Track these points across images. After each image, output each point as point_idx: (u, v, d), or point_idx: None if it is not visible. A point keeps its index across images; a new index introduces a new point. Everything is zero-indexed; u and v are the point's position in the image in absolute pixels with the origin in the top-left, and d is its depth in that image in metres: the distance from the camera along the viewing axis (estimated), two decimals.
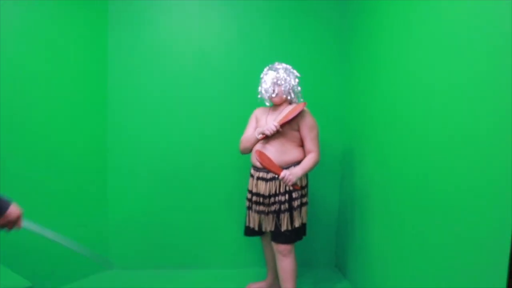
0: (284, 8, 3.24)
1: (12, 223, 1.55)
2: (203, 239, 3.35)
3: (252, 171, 2.61)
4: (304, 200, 2.52)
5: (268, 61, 2.93)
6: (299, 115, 2.48)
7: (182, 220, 3.32)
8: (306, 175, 2.55)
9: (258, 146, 2.54)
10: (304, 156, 2.53)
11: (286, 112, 2.51)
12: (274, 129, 2.39)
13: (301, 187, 2.49)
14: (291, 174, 2.32)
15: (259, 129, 2.49)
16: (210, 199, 3.32)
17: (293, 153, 2.49)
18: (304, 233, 2.63)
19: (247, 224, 2.71)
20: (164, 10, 3.20)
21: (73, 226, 2.95)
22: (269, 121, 2.54)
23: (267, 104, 2.65)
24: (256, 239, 3.29)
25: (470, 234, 1.57)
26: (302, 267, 3.33)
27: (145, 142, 3.25)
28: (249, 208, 2.65)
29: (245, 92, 3.18)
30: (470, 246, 1.57)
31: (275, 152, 2.47)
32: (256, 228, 2.64)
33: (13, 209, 1.54)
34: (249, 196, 2.63)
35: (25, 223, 1.62)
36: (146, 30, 3.20)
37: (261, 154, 2.35)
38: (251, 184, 2.60)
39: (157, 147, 3.26)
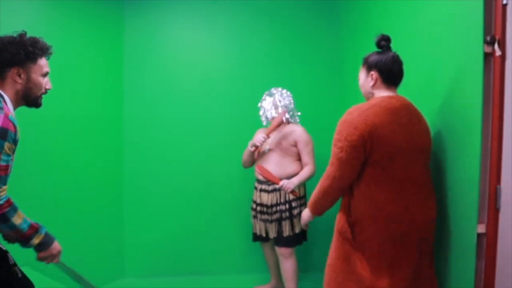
0: (283, 36, 3.59)
1: (53, 257, 1.71)
2: (212, 247, 3.62)
3: (256, 184, 2.95)
4: (303, 208, 2.80)
5: (268, 84, 3.25)
6: (289, 130, 2.82)
7: (192, 230, 3.60)
8: (304, 186, 2.86)
9: (261, 161, 2.87)
10: (302, 169, 2.83)
11: (276, 127, 2.84)
12: (262, 139, 2.76)
13: (300, 196, 2.80)
14: (289, 183, 2.65)
15: (251, 142, 2.85)
16: (217, 210, 3.61)
17: (292, 166, 2.81)
18: (304, 238, 2.92)
19: (254, 231, 3.01)
20: (174, 38, 3.57)
21: (90, 236, 3.22)
22: (260, 134, 2.88)
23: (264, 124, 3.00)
24: (259, 248, 3.54)
25: None
26: (303, 271, 3.57)
27: (158, 157, 3.56)
28: (255, 217, 2.96)
29: (247, 112, 3.47)
30: None
31: (275, 166, 2.80)
32: (264, 235, 2.92)
33: (56, 245, 1.68)
34: (253, 206, 2.96)
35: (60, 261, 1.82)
36: (158, 57, 3.55)
37: (260, 168, 2.70)
38: (255, 196, 2.93)
39: (169, 163, 3.56)
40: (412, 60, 2.15)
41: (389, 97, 1.79)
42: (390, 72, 1.83)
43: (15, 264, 1.66)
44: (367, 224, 1.77)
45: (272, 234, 2.85)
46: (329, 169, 1.83)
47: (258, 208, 2.90)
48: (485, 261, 1.65)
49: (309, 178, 2.79)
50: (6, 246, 1.64)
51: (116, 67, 3.48)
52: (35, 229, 1.58)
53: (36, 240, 1.58)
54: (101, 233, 3.33)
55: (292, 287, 2.82)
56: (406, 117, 1.74)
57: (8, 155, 1.48)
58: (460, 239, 1.73)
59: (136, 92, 3.54)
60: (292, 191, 2.70)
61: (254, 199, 2.95)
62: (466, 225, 1.69)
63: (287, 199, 2.78)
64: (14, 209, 1.51)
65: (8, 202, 1.49)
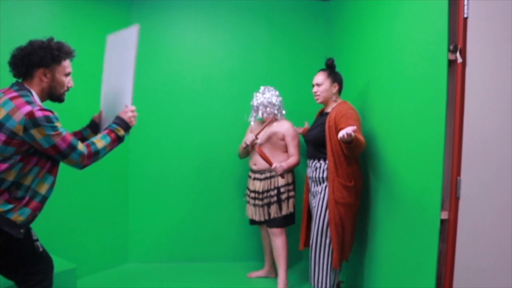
0: (279, 38, 3.83)
1: (133, 119, 2.11)
2: (210, 236, 3.86)
3: (250, 173, 3.28)
4: (290, 194, 3.14)
5: (265, 83, 3.46)
6: (278, 126, 3.14)
7: (192, 220, 3.84)
8: (292, 174, 3.18)
9: (253, 154, 3.23)
10: (288, 159, 3.13)
11: (263, 128, 3.17)
12: (251, 139, 3.10)
13: (288, 182, 3.13)
14: (280, 166, 2.94)
15: (244, 140, 3.21)
16: (216, 201, 3.84)
17: (280, 157, 3.14)
18: (292, 222, 3.20)
19: (248, 216, 3.31)
20: (178, 40, 3.80)
21: (97, 223, 3.46)
22: (250, 134, 3.18)
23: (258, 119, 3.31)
24: (255, 236, 3.78)
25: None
26: (296, 260, 3.80)
27: (161, 150, 3.79)
28: (248, 202, 3.28)
29: (244, 109, 3.67)
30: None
31: (269, 154, 3.11)
32: (255, 218, 3.21)
33: (127, 114, 2.08)
34: (247, 192, 3.28)
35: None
36: (162, 57, 3.78)
37: (259, 149, 2.95)
38: (249, 183, 3.26)
39: (172, 156, 3.80)
40: (390, 65, 2.37)
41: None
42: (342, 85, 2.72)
43: (37, 240, 1.91)
44: None
45: (263, 217, 3.16)
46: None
47: (252, 195, 3.22)
48: (447, 244, 1.87)
49: (295, 166, 3.09)
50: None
51: None
52: (110, 131, 1.99)
53: (121, 132, 2.02)
54: (107, 221, 3.56)
55: (282, 262, 3.12)
56: None
57: (61, 127, 1.79)
58: (425, 225, 1.95)
59: (141, 90, 3.74)
60: (281, 174, 2.97)
61: (248, 186, 3.27)
62: (431, 212, 1.90)
63: (276, 185, 3.11)
64: (93, 144, 1.90)
65: (88, 146, 1.88)
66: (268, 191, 3.13)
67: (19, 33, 2.80)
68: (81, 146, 1.84)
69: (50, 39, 1.87)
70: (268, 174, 3.13)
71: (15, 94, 1.74)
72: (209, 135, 3.81)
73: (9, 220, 1.70)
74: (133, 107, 2.10)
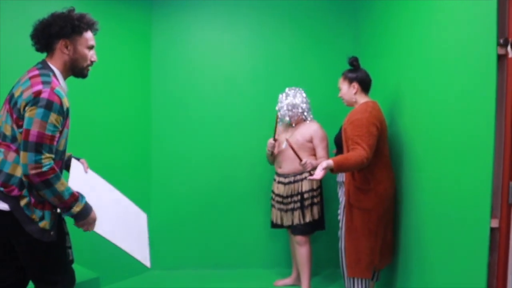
0: (304, 37, 3.72)
1: (88, 225, 1.80)
2: (235, 242, 3.77)
3: (275, 176, 3.21)
4: (315, 200, 3.02)
5: (289, 84, 3.34)
6: (306, 128, 3.08)
7: (216, 226, 3.75)
8: (320, 180, 2.93)
9: (280, 157, 3.15)
10: None
11: (298, 129, 3.11)
12: (272, 144, 3.09)
13: (313, 188, 3.03)
14: (310, 162, 2.76)
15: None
16: (241, 206, 3.75)
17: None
18: (317, 228, 3.09)
19: (271, 219, 3.24)
20: (200, 39, 3.74)
21: None
22: (270, 139, 3.14)
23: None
24: (282, 243, 3.67)
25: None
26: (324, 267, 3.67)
27: (183, 153, 3.72)
28: (273, 206, 3.20)
29: (269, 110, 3.56)
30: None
31: (292, 161, 3.02)
32: (279, 223, 3.14)
33: (93, 214, 1.79)
34: (272, 196, 3.21)
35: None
36: (184, 56, 3.72)
37: (289, 142, 2.82)
38: (274, 187, 3.18)
39: (194, 158, 3.72)
40: (428, 62, 2.23)
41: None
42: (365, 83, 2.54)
43: (67, 233, 1.86)
44: None
45: (287, 223, 3.07)
46: None
47: (276, 198, 3.14)
48: (498, 255, 1.72)
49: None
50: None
51: (144, 67, 3.65)
52: (75, 197, 1.71)
53: (76, 208, 1.71)
54: None
55: (305, 272, 3.05)
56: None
57: (55, 126, 1.63)
58: (473, 233, 1.80)
59: (163, 91, 3.72)
60: (310, 172, 2.79)
61: (273, 189, 3.20)
62: (480, 219, 1.75)
63: (299, 191, 3.00)
64: (58, 177, 1.64)
65: (53, 169, 1.62)
66: (291, 196, 3.04)
67: None
68: (47, 159, 1.61)
69: (71, 9, 1.79)
70: (292, 179, 3.04)
71: (36, 72, 1.69)
72: (233, 137, 3.72)
73: (39, 227, 1.66)
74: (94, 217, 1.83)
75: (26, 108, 1.60)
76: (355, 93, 2.53)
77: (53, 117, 1.61)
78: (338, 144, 2.73)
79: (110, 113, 3.31)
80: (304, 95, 3.10)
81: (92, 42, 1.84)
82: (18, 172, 1.65)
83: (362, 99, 2.55)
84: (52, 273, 1.78)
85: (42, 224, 1.68)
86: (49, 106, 1.60)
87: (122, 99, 3.41)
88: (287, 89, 3.14)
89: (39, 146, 1.58)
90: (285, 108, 3.05)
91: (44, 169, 1.59)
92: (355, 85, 2.53)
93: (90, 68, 1.86)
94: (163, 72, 3.69)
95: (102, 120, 3.26)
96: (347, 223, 2.43)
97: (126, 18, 3.43)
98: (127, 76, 3.47)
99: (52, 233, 1.71)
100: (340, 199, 2.62)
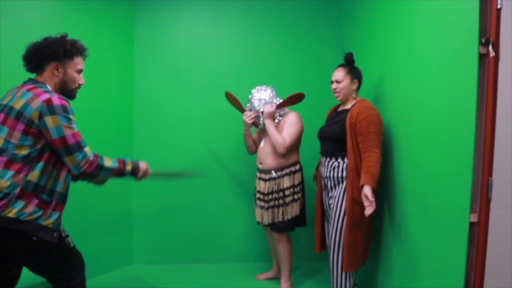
0: (288, 32, 3.71)
1: (146, 174, 2.14)
2: (216, 237, 3.75)
3: (257, 172, 3.12)
4: (296, 196, 2.97)
5: (273, 77, 3.35)
6: (283, 118, 3.02)
7: (197, 221, 3.72)
8: (300, 174, 3.02)
9: (260, 151, 3.07)
10: (296, 159, 3.02)
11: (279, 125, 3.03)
12: (248, 120, 3.01)
13: (294, 184, 2.97)
14: (250, 114, 2.97)
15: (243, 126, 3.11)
16: (222, 201, 3.73)
17: (287, 155, 2.95)
18: (298, 224, 3.05)
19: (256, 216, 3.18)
20: (183, 34, 3.68)
21: (100, 224, 3.35)
22: (261, 138, 3.11)
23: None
24: (262, 237, 3.68)
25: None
26: (306, 260, 3.71)
27: (165, 147, 3.67)
28: (255, 204, 3.14)
29: None
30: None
31: (271, 156, 2.97)
32: (261, 220, 3.08)
33: (142, 164, 2.12)
34: (254, 192, 3.15)
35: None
36: (167, 51, 3.67)
37: (229, 94, 2.88)
38: (256, 183, 3.12)
39: (176, 152, 3.68)
40: (410, 60, 2.26)
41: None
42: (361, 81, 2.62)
43: (67, 236, 1.96)
44: None
45: (267, 220, 3.01)
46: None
47: (257, 195, 3.08)
48: (477, 249, 1.77)
49: (276, 143, 2.86)
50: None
51: (127, 61, 3.58)
52: (122, 161, 2.02)
53: (129, 168, 2.03)
54: (111, 223, 3.46)
55: (285, 266, 3.06)
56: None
57: (75, 122, 1.83)
58: (453, 228, 1.85)
59: (145, 85, 3.65)
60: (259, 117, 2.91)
61: (255, 186, 3.13)
62: (459, 214, 1.80)
63: (281, 187, 2.94)
64: (101, 158, 1.91)
65: (95, 155, 1.89)
66: (272, 193, 2.97)
67: (19, 26, 2.71)
68: (88, 150, 1.86)
69: (64, 35, 1.91)
70: (273, 175, 2.96)
71: (32, 86, 1.81)
72: (215, 132, 3.69)
73: (42, 226, 1.76)
74: (145, 165, 2.16)
75: (45, 118, 1.72)
76: (354, 90, 2.60)
77: (71, 117, 1.80)
78: (325, 138, 2.63)
79: (92, 110, 3.23)
80: (274, 92, 3.04)
81: (81, 66, 1.97)
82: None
83: (357, 96, 2.63)
84: (61, 263, 1.89)
85: (45, 222, 1.77)
86: (65, 110, 1.77)
87: (104, 96, 3.34)
88: (257, 87, 3.08)
89: (78, 144, 1.81)
90: (256, 103, 2.98)
91: (91, 158, 1.86)
92: (356, 82, 2.60)
93: (78, 90, 2.00)
94: (145, 68, 3.64)
95: (84, 118, 3.17)
96: (349, 218, 2.41)
97: (109, 11, 3.36)
98: (109, 73, 3.39)
99: (55, 234, 1.81)
100: (335, 194, 2.54)
